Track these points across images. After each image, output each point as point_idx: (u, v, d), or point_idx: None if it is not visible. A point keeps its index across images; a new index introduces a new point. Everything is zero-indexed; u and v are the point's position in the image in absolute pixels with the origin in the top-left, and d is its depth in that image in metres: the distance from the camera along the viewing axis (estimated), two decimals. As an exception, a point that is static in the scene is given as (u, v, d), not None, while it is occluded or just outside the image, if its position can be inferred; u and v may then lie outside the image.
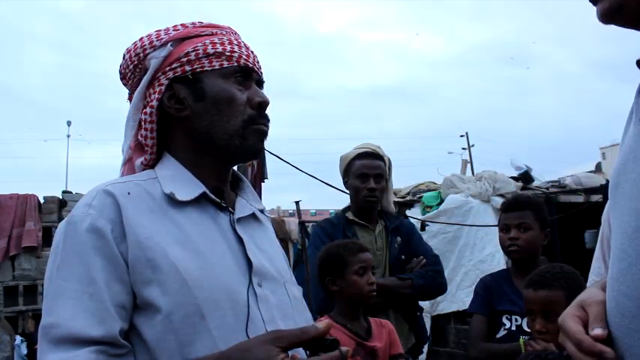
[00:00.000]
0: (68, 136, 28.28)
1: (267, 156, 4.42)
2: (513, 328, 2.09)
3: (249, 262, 1.02)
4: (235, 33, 1.14)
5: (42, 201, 7.02)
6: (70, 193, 7.50)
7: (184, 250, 0.96)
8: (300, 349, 0.89)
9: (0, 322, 6.55)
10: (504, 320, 2.12)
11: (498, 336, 2.11)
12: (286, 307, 1.05)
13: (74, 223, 0.94)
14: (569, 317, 0.87)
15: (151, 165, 1.10)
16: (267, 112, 1.12)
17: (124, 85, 1.16)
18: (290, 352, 0.84)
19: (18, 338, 6.44)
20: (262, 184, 4.47)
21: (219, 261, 0.99)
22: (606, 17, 0.88)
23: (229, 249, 1.02)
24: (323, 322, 0.86)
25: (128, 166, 1.12)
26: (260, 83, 1.14)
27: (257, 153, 1.11)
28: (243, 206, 1.11)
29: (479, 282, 2.32)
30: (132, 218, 0.95)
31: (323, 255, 2.10)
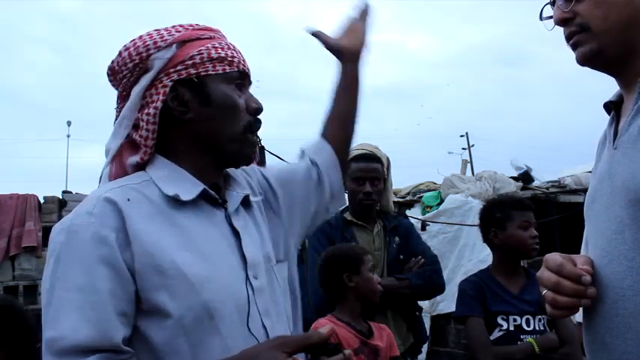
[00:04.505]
0: (68, 136, 28.20)
1: (267, 156, 4.42)
2: (512, 328, 2.08)
3: (244, 256, 1.04)
4: (224, 36, 1.15)
5: (42, 201, 7.01)
6: (70, 193, 7.48)
7: (189, 253, 0.97)
8: (302, 353, 0.92)
9: (0, 322, 6.55)
10: (500, 321, 2.10)
11: (493, 337, 2.09)
12: (277, 293, 1.09)
13: (75, 232, 0.94)
14: (554, 254, 0.98)
15: (143, 165, 1.08)
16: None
17: (111, 81, 1.13)
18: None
19: (18, 338, 6.44)
20: (262, 184, 4.47)
21: (221, 259, 1.01)
22: (584, 59, 1.00)
23: (228, 246, 1.04)
24: (326, 328, 0.90)
25: (117, 164, 1.10)
26: (249, 83, 1.17)
27: (249, 161, 1.15)
28: (233, 198, 1.12)
29: (465, 283, 2.25)
30: (135, 225, 0.95)
31: (336, 253, 2.14)
